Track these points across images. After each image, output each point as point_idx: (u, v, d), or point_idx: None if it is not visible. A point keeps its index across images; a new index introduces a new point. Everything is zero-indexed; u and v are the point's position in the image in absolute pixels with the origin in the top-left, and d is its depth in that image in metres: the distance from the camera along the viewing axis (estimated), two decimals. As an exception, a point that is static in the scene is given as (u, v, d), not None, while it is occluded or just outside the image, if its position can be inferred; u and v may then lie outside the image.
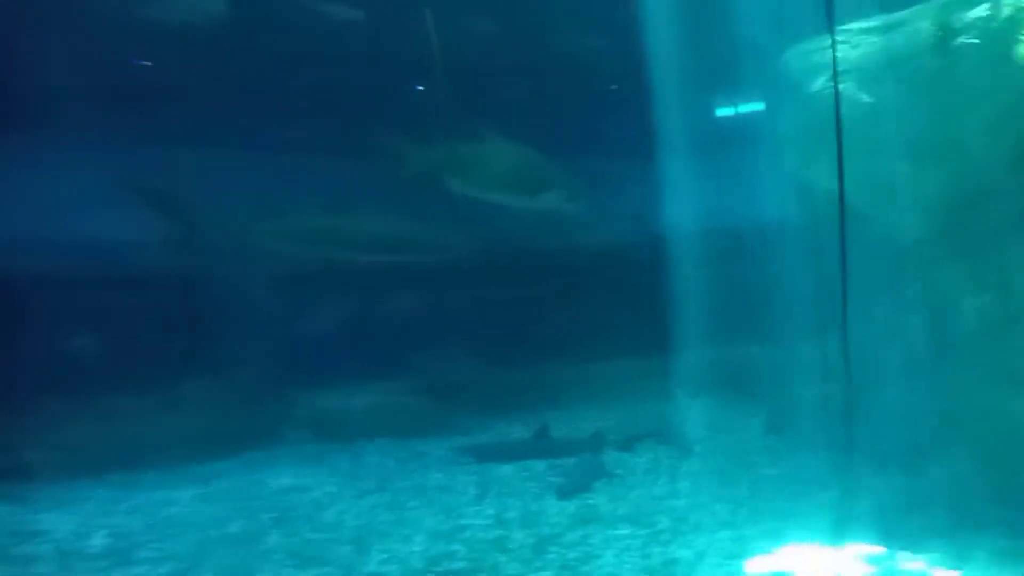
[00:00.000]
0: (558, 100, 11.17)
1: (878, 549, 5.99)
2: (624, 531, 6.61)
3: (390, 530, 6.76)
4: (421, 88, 10.79)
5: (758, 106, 10.32)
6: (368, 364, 10.01)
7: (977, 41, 6.04)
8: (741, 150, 9.88)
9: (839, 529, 6.23)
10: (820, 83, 6.87)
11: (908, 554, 5.92)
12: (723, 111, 11.81)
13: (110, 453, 8.28)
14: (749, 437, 9.36)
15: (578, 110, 11.22)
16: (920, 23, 6.46)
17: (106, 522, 7.00)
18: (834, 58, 5.23)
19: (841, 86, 6.35)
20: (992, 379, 6.39)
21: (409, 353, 10.70)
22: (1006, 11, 5.86)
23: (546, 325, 11.52)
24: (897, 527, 6.21)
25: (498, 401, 10.56)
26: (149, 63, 9.96)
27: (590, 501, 7.40)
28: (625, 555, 6.11)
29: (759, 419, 9.59)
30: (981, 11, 5.99)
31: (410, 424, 9.82)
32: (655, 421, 9.72)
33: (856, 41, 6.86)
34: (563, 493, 7.54)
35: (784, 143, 7.71)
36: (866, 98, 6.66)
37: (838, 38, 6.74)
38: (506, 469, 8.42)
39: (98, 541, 6.56)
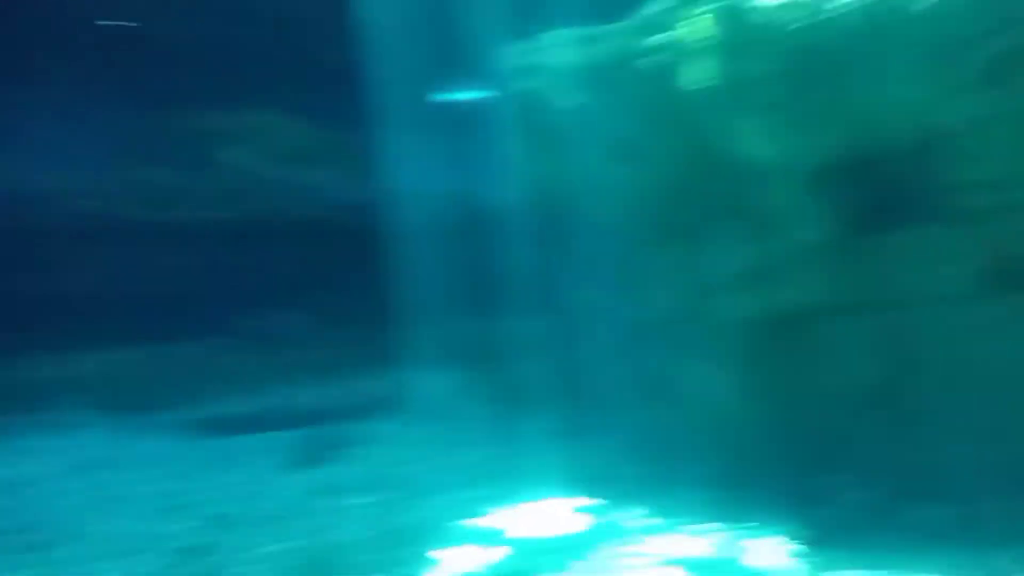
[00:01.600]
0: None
1: (597, 501, 6.43)
2: (355, 500, 6.73)
3: (106, 509, 6.50)
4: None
5: (485, 97, 10.79)
6: (93, 330, 9.45)
7: (651, 61, 6.80)
8: (469, 139, 10.31)
9: (562, 486, 6.62)
10: (528, 83, 7.47)
11: (622, 506, 6.32)
12: (449, 99, 12.18)
13: None
14: (471, 405, 9.74)
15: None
16: (616, 39, 7.20)
17: None
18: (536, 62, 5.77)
19: (544, 88, 6.94)
20: (680, 352, 7.25)
21: (135, 320, 10.14)
22: (681, 36, 6.70)
23: (269, 294, 11.38)
24: (612, 483, 6.67)
25: (229, 373, 10.31)
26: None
27: (320, 472, 7.50)
28: (356, 524, 6.19)
29: (481, 389, 9.99)
30: (661, 37, 6.80)
31: (134, 395, 9.39)
32: (384, 392, 9.90)
33: (564, 48, 7.52)
34: (292, 465, 7.63)
35: (503, 136, 8.27)
36: (563, 101, 7.33)
37: (549, 42, 7.37)
38: (235, 442, 8.36)
39: None
